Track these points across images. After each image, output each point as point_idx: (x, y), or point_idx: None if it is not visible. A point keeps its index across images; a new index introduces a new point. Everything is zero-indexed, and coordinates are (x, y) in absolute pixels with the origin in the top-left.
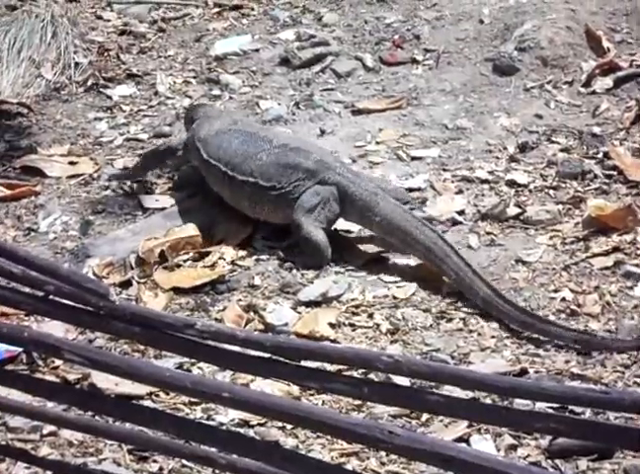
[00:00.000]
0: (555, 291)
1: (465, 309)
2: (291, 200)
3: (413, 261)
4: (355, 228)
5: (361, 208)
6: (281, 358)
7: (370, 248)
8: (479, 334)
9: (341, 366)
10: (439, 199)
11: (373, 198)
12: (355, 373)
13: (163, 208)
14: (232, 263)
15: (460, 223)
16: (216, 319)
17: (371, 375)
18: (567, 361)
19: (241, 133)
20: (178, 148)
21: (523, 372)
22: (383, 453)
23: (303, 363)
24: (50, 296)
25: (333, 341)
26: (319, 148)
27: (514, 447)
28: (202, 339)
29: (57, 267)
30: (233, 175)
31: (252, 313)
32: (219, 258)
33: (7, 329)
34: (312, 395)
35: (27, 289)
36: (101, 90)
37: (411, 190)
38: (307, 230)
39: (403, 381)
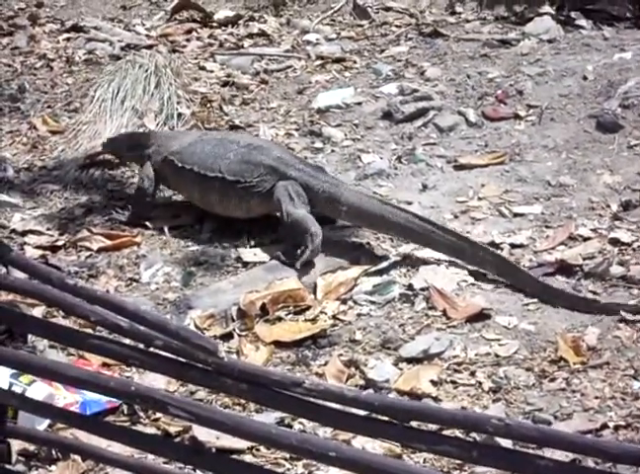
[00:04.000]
0: None
1: (568, 368)
2: (254, 194)
3: (516, 319)
4: (452, 286)
5: (326, 200)
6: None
7: (472, 305)
8: (582, 394)
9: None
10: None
11: (337, 190)
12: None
13: (264, 261)
14: (333, 317)
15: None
16: (317, 374)
17: (473, 434)
18: None
19: (212, 140)
20: (150, 182)
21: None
22: None
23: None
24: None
25: (434, 398)
26: (280, 147)
27: None
28: (309, 397)
29: (166, 322)
30: (205, 173)
31: (353, 368)
32: (320, 312)
33: (114, 383)
34: (414, 453)
35: (128, 341)
36: None
37: (513, 246)
38: (295, 214)
39: (507, 443)
